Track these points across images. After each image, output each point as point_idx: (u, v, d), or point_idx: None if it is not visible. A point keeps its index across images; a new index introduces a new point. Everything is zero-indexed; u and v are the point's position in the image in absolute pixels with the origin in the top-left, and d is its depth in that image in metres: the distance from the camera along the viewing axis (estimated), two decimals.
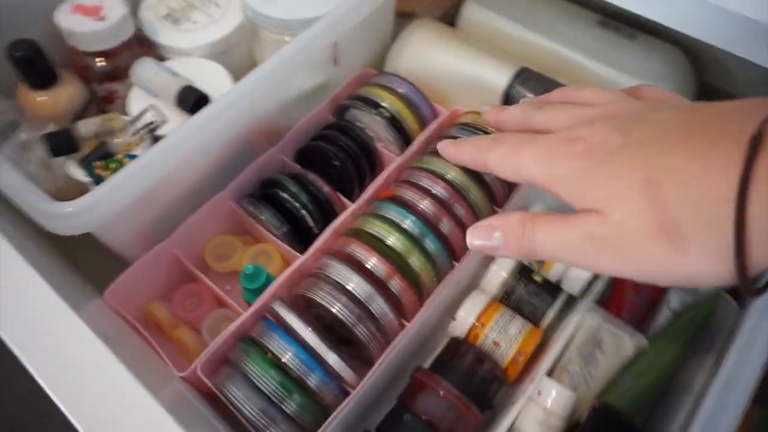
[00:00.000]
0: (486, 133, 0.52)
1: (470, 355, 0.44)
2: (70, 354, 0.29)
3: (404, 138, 0.56)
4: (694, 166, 0.24)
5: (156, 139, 0.53)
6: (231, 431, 0.43)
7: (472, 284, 0.50)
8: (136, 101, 0.55)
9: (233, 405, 0.41)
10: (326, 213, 0.52)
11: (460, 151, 0.36)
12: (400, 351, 0.45)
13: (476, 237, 0.32)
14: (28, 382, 0.28)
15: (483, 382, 0.43)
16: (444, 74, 0.56)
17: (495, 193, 0.51)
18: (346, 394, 0.43)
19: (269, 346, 0.42)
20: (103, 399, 0.27)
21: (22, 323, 0.31)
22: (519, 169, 0.30)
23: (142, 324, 0.52)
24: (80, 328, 0.30)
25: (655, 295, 0.46)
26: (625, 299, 0.46)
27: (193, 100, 0.52)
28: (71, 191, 0.53)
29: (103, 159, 0.49)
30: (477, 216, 0.50)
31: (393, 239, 0.47)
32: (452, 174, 0.50)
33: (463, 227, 0.49)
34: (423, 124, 0.56)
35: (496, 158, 0.32)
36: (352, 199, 0.52)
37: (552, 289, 0.47)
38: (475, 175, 0.50)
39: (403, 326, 0.45)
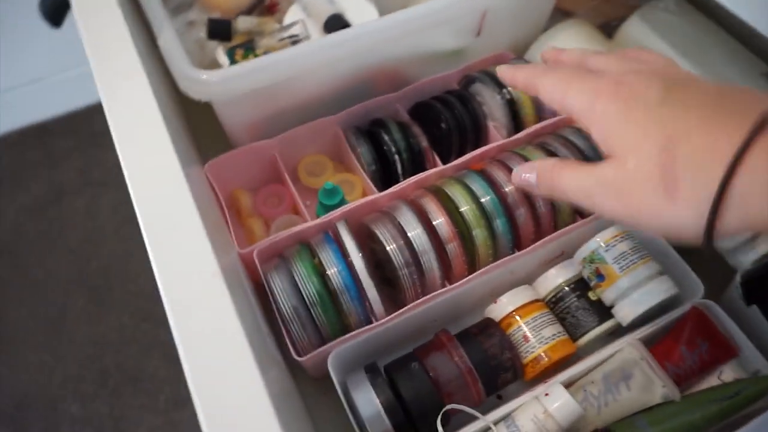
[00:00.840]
0: None
1: (496, 337, 0.44)
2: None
3: (517, 124, 0.56)
4: (708, 130, 0.27)
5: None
6: (262, 315, 0.47)
7: (526, 281, 0.50)
8: (292, 15, 0.60)
9: (271, 292, 0.45)
10: (417, 166, 0.54)
11: (516, 73, 0.38)
12: (433, 307, 0.46)
13: (519, 171, 0.36)
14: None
15: (498, 367, 0.43)
16: None
17: None
18: (369, 322, 0.45)
19: (320, 256, 0.46)
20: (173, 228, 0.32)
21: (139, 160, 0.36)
22: (564, 98, 0.33)
23: (227, 204, 0.58)
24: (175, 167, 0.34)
25: (709, 359, 0.43)
26: (675, 351, 0.43)
27: (338, 28, 0.56)
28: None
29: (246, 50, 0.54)
30: (556, 217, 0.49)
31: (467, 208, 0.48)
32: None
33: (538, 223, 0.49)
34: (540, 117, 0.56)
35: (547, 84, 0.34)
36: (446, 164, 0.54)
37: (603, 311, 0.46)
38: None
39: (444, 287, 0.47)
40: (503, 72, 0.39)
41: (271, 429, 0.26)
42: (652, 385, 0.41)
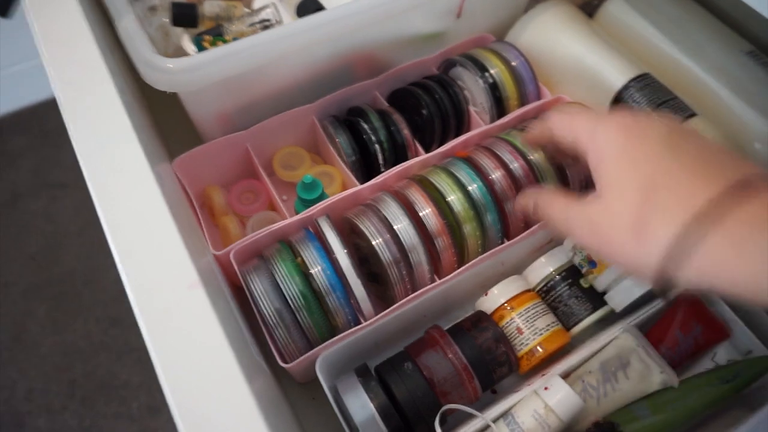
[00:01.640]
0: None
1: (489, 331, 0.43)
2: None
3: (500, 109, 0.54)
4: (690, 181, 0.28)
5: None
6: (243, 321, 0.44)
7: (516, 270, 0.49)
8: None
9: (252, 295, 0.42)
10: (399, 156, 0.52)
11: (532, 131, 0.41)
12: (423, 303, 0.44)
13: (521, 199, 0.40)
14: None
15: (493, 362, 0.42)
16: (562, 59, 0.54)
17: (570, 190, 0.49)
18: (358, 323, 0.43)
19: (303, 255, 0.43)
20: (137, 223, 0.29)
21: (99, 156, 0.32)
22: (572, 121, 0.35)
23: (199, 203, 0.54)
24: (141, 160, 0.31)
25: (703, 341, 0.43)
26: (669, 334, 0.43)
27: (311, 11, 0.53)
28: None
29: (214, 36, 0.51)
30: None
31: (453, 197, 0.46)
32: (535, 156, 0.48)
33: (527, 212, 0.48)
34: (524, 101, 0.54)
35: (557, 118, 0.37)
36: (429, 152, 0.52)
37: (596, 298, 0.45)
38: (558, 167, 0.48)
39: (433, 281, 0.45)
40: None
41: None
42: (649, 372, 0.40)
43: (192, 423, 0.23)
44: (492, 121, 0.54)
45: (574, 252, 0.45)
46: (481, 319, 0.44)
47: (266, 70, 0.48)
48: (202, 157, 0.51)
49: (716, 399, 0.40)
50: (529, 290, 0.46)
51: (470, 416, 0.40)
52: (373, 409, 0.39)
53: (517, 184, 0.47)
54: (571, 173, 0.48)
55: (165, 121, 0.55)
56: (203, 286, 0.27)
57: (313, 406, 0.47)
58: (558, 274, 0.46)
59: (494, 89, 0.53)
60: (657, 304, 0.44)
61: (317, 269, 0.42)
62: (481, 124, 0.53)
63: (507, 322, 0.44)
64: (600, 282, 0.44)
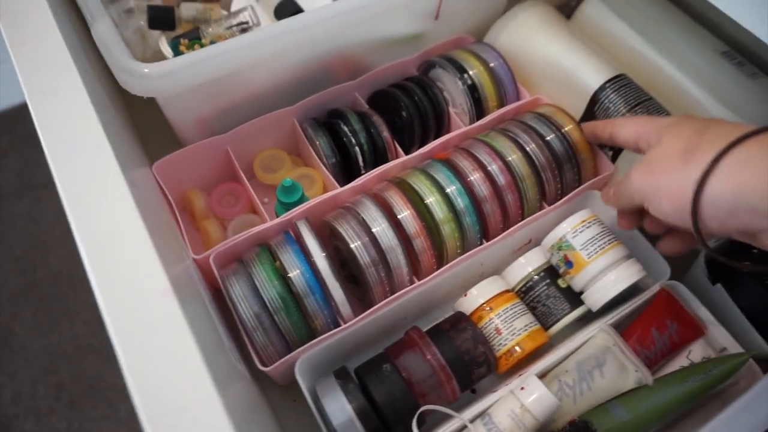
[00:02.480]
0: (558, 128, 0.50)
1: (468, 332, 0.43)
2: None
3: (479, 110, 0.54)
4: (729, 128, 0.35)
5: None
6: (223, 325, 0.44)
7: (495, 271, 0.49)
8: (240, 1, 0.57)
9: (231, 299, 0.42)
10: (379, 158, 0.52)
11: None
12: (402, 305, 0.44)
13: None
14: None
15: (471, 362, 0.42)
16: (540, 60, 0.54)
17: (546, 191, 0.49)
18: (337, 325, 0.43)
19: (281, 258, 0.43)
20: (112, 232, 0.29)
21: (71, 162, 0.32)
22: (636, 128, 0.42)
23: (180, 207, 0.54)
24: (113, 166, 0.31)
25: (678, 340, 0.43)
26: (646, 334, 0.43)
27: (289, 13, 0.53)
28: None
29: (191, 39, 0.51)
30: (523, 206, 0.48)
31: (432, 200, 0.46)
32: (513, 157, 0.48)
33: (505, 212, 0.48)
34: (502, 102, 0.55)
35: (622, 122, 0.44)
36: (408, 154, 0.52)
37: (573, 298, 0.45)
38: (534, 168, 0.48)
39: (413, 283, 0.45)
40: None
41: None
42: (625, 371, 0.41)
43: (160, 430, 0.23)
44: (471, 122, 0.54)
45: (551, 252, 0.46)
46: (459, 320, 0.44)
47: (244, 74, 0.48)
48: (182, 160, 0.51)
49: (690, 396, 0.40)
50: (508, 291, 0.46)
51: (448, 417, 0.40)
52: (351, 412, 0.39)
53: (495, 186, 0.47)
54: (547, 176, 0.49)
55: (146, 125, 0.55)
56: (175, 293, 0.27)
57: (294, 408, 0.47)
58: (536, 275, 0.46)
59: (473, 90, 0.54)
60: (633, 303, 0.45)
61: (296, 272, 0.43)
62: (461, 125, 0.54)
63: (486, 323, 0.45)
64: (577, 282, 0.44)
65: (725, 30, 0.53)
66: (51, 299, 1.26)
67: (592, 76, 0.50)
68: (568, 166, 0.50)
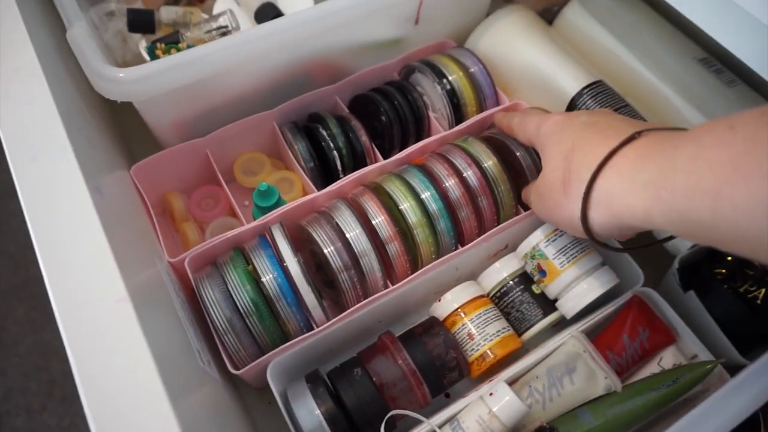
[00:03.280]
0: None
1: (440, 337, 0.43)
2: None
3: (459, 115, 0.55)
4: (597, 144, 0.36)
5: None
6: (195, 328, 0.44)
7: (471, 276, 0.49)
8: (221, 5, 0.57)
9: (203, 302, 0.43)
10: (358, 162, 0.53)
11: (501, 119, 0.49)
12: (375, 309, 0.45)
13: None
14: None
15: (443, 367, 0.42)
16: (519, 65, 0.54)
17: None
18: (311, 330, 0.43)
19: (254, 262, 0.43)
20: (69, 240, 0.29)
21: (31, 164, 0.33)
22: (524, 125, 0.44)
23: (159, 209, 0.55)
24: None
25: (649, 346, 0.43)
26: (618, 341, 0.43)
27: (269, 17, 0.54)
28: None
29: (168, 44, 0.51)
30: (499, 211, 0.48)
31: (407, 205, 0.46)
32: (489, 163, 0.48)
33: (481, 218, 0.48)
34: (482, 107, 0.55)
35: (516, 120, 0.46)
36: (388, 158, 0.52)
37: (547, 304, 0.45)
38: (513, 172, 0.48)
39: (387, 287, 0.45)
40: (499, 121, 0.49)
41: None
42: (594, 378, 0.41)
43: None
44: (450, 127, 0.54)
45: (525, 261, 0.46)
46: (432, 325, 0.45)
47: (223, 78, 0.48)
48: (161, 163, 0.51)
49: (659, 403, 0.41)
50: (482, 296, 0.46)
51: (418, 421, 0.41)
52: (320, 416, 0.39)
53: (470, 192, 0.48)
54: (526, 182, 0.49)
55: (131, 128, 0.55)
56: (131, 300, 0.27)
57: (269, 410, 0.47)
58: (511, 280, 0.46)
59: (452, 95, 0.54)
60: (605, 310, 0.45)
61: (268, 277, 0.43)
62: (440, 129, 0.54)
63: (459, 328, 0.45)
64: (551, 290, 0.44)
65: (704, 36, 0.53)
66: (44, 297, 1.27)
67: (569, 82, 0.51)
68: None
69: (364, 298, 0.45)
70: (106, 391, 0.25)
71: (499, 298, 0.47)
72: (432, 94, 0.55)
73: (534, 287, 0.46)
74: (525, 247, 0.45)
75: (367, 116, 0.54)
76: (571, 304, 0.44)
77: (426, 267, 0.46)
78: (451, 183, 0.47)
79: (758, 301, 0.44)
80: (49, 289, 0.27)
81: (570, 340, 0.43)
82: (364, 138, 0.52)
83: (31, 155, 0.32)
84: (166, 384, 0.25)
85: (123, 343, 0.26)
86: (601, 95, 0.49)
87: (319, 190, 0.49)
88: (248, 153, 0.56)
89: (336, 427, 0.39)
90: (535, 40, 0.55)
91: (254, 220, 0.50)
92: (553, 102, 0.52)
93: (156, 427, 0.24)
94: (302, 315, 0.43)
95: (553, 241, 0.44)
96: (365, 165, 0.52)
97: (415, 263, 0.47)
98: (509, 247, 0.50)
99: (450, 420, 0.41)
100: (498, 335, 0.44)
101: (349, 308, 0.44)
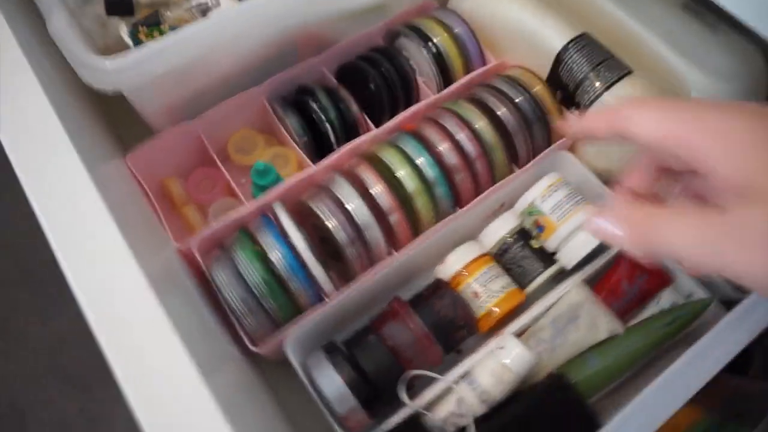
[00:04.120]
0: (526, 90, 0.51)
1: (447, 298, 0.45)
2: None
3: (446, 78, 0.55)
4: None
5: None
6: (211, 311, 0.46)
7: (471, 236, 0.51)
8: None
9: (217, 287, 0.44)
10: (350, 132, 0.53)
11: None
12: (382, 277, 0.46)
13: (599, 223, 0.28)
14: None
15: (452, 326, 0.44)
16: (503, 23, 0.54)
17: (519, 154, 0.50)
18: (322, 303, 0.45)
19: (261, 241, 0.44)
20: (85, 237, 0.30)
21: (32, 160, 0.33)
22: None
23: (159, 196, 0.55)
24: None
25: (647, 289, 0.46)
26: (615, 286, 0.45)
27: None
28: (119, 52, 0.55)
29: (150, 26, 0.50)
30: (493, 171, 0.49)
31: (403, 172, 0.47)
32: (480, 124, 0.49)
33: (476, 179, 0.49)
34: (469, 68, 0.55)
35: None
36: (379, 126, 0.53)
37: (546, 257, 0.47)
38: (504, 132, 0.49)
39: (390, 255, 0.47)
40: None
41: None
42: (597, 323, 0.43)
43: (154, 423, 0.25)
44: (439, 90, 0.54)
45: (523, 218, 0.47)
46: (439, 286, 0.46)
47: (209, 59, 0.48)
48: (156, 149, 0.51)
49: (659, 341, 0.43)
50: (484, 254, 0.48)
51: (435, 379, 0.43)
52: (342, 383, 0.41)
53: (464, 154, 0.48)
54: (519, 140, 0.50)
55: (120, 116, 0.54)
56: (152, 287, 0.28)
57: (292, 384, 0.49)
58: (510, 237, 0.48)
59: (439, 58, 0.54)
60: (603, 258, 0.46)
61: (277, 255, 0.44)
62: (429, 93, 0.54)
63: (464, 287, 0.46)
64: (549, 244, 0.46)
65: None
66: (47, 285, 1.27)
67: (554, 37, 0.51)
68: (538, 126, 0.51)
69: (371, 267, 0.46)
70: (142, 378, 0.26)
71: (500, 256, 0.48)
72: (418, 57, 0.55)
73: (533, 242, 0.47)
74: (521, 204, 0.46)
75: (355, 85, 0.54)
76: (570, 255, 0.45)
77: (428, 231, 0.47)
78: (444, 147, 0.48)
79: None
80: (71, 284, 0.28)
81: (572, 290, 0.44)
82: (355, 108, 0.52)
83: (31, 153, 0.32)
84: (198, 364, 0.26)
85: (150, 327, 0.27)
86: (586, 48, 0.49)
87: (314, 163, 0.50)
88: (240, 131, 0.56)
89: (358, 392, 0.41)
90: None
91: (254, 198, 0.51)
92: (540, 58, 0.52)
93: (194, 405, 0.25)
94: (312, 289, 0.44)
95: (549, 196, 0.45)
96: (358, 135, 0.52)
97: (416, 229, 0.48)
98: (506, 205, 0.51)
99: (464, 376, 0.43)
100: (502, 291, 0.46)
101: (356, 278, 0.45)
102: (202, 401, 0.26)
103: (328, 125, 0.52)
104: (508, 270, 0.48)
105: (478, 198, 0.48)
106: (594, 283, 0.46)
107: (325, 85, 0.54)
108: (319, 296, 0.45)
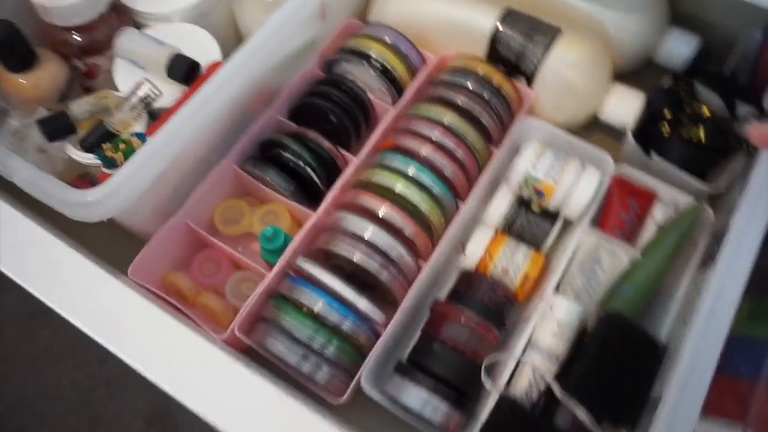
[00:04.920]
0: (475, 74, 0.54)
1: (484, 284, 0.48)
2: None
3: (396, 87, 0.57)
4: None
5: (152, 113, 0.53)
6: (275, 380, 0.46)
7: (476, 219, 0.54)
8: (123, 75, 0.54)
9: (277, 357, 0.44)
10: (329, 168, 0.54)
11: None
12: (420, 288, 0.48)
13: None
14: None
15: (498, 306, 0.47)
16: (430, 20, 0.57)
17: (491, 133, 0.54)
18: (377, 333, 0.47)
19: (301, 300, 0.45)
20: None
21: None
22: None
23: (171, 294, 0.54)
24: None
25: (641, 211, 0.51)
26: (616, 218, 0.50)
27: (185, 69, 0.52)
28: (70, 173, 0.53)
29: (105, 139, 0.49)
30: (475, 156, 0.53)
31: (401, 186, 0.49)
32: (448, 118, 0.52)
33: (464, 168, 0.52)
34: (413, 72, 0.57)
35: None
36: (350, 152, 0.54)
37: (549, 216, 0.51)
38: (471, 118, 0.52)
39: (419, 266, 0.49)
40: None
41: None
42: (617, 257, 0.48)
43: None
44: (393, 101, 0.57)
45: (521, 189, 0.51)
46: (472, 277, 0.49)
47: (182, 155, 0.47)
48: (152, 254, 0.50)
49: (672, 256, 0.48)
50: (496, 234, 0.51)
51: (506, 358, 0.46)
52: (428, 394, 0.43)
53: (445, 149, 0.51)
54: (488, 120, 0.53)
55: (96, 243, 0.52)
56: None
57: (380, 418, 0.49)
58: (512, 210, 0.52)
59: (384, 71, 0.56)
60: (596, 200, 0.51)
61: (320, 305, 0.45)
62: (386, 107, 0.56)
63: (492, 269, 0.50)
64: (551, 204, 0.50)
65: None
66: None
67: (483, 20, 0.54)
68: (497, 101, 0.54)
69: (407, 283, 0.48)
70: None
71: (509, 228, 0.52)
72: (364, 77, 0.57)
73: (534, 206, 0.52)
74: (517, 176, 0.50)
75: (314, 122, 0.55)
76: (572, 207, 0.50)
77: (445, 234, 0.50)
78: (427, 150, 0.51)
79: (702, 141, 0.51)
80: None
81: (585, 237, 0.49)
82: (326, 144, 0.54)
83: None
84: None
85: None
86: (518, 23, 0.53)
87: (307, 207, 0.51)
88: (221, 204, 0.56)
89: (446, 397, 0.44)
90: None
91: (265, 262, 0.51)
92: (475, 42, 0.55)
93: None
94: (366, 324, 0.46)
95: (539, 163, 0.49)
96: (337, 169, 0.54)
97: (431, 233, 0.51)
98: (497, 181, 0.55)
99: (528, 345, 0.46)
100: (526, 260, 0.50)
101: (397, 298, 0.48)
102: None
103: (308, 168, 0.53)
104: (521, 239, 0.52)
105: (475, 186, 0.51)
106: (597, 223, 0.51)
107: (287, 132, 0.55)
108: (373, 328, 0.47)
